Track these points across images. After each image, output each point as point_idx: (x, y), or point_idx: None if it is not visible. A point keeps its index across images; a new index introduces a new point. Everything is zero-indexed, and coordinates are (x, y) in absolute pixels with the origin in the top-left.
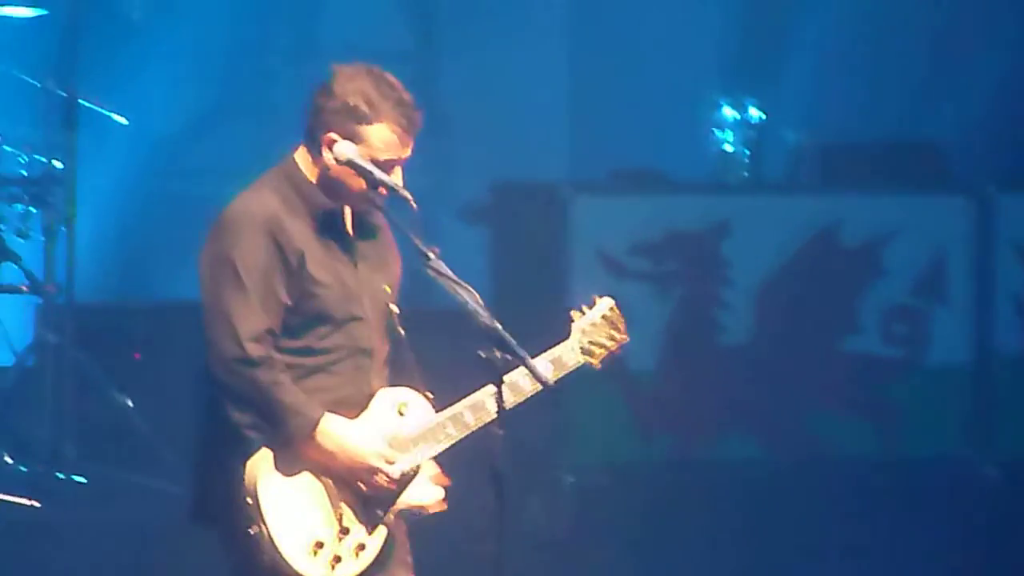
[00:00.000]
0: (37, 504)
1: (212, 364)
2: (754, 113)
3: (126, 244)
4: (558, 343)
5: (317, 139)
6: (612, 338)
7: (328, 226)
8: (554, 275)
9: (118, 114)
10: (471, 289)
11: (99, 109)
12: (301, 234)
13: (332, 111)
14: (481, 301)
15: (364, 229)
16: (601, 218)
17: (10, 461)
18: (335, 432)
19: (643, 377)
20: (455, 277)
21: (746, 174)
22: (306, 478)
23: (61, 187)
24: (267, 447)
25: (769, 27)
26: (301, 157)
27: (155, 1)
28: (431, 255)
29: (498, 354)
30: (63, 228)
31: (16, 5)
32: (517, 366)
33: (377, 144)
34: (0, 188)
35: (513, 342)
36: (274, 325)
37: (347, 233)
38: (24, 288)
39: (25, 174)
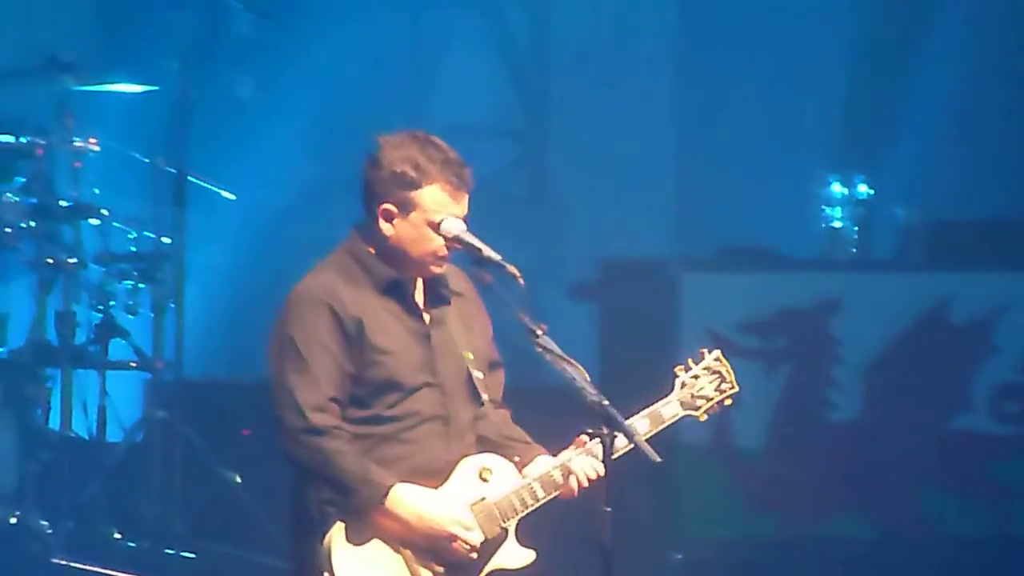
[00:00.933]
0: None
1: (282, 440)
2: (863, 190)
3: (235, 320)
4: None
5: (373, 212)
6: (719, 389)
7: (394, 295)
8: (663, 352)
9: (226, 190)
10: (579, 366)
11: (207, 185)
12: (361, 303)
13: (382, 182)
14: (588, 378)
15: (438, 296)
16: (710, 295)
17: (119, 537)
18: (408, 501)
19: (752, 454)
20: (563, 354)
21: (854, 251)
22: (381, 547)
23: (170, 263)
24: (340, 520)
25: (878, 104)
26: (362, 232)
27: (263, 78)
28: (539, 332)
29: (605, 431)
30: (172, 304)
31: (126, 82)
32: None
33: (431, 206)
34: (110, 264)
35: (621, 419)
36: (338, 395)
37: (415, 302)
38: (133, 364)
39: (134, 250)
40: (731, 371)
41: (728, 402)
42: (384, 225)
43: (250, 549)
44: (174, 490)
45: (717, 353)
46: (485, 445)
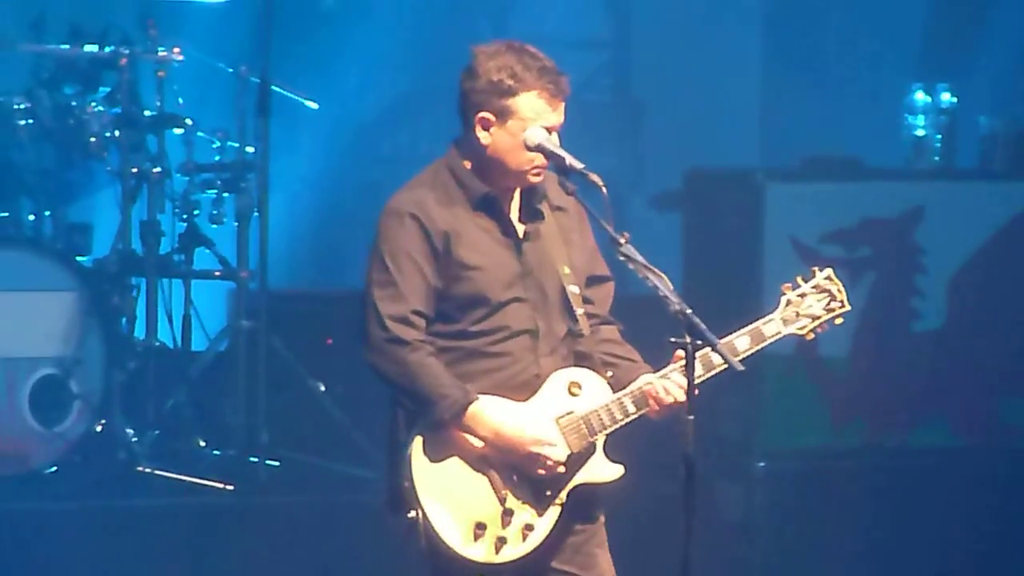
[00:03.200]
0: (230, 488)
1: (365, 352)
2: (946, 98)
3: (318, 229)
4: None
5: (470, 122)
6: (828, 308)
7: (487, 210)
8: (747, 262)
9: (310, 100)
10: (662, 275)
11: (291, 95)
12: (451, 218)
13: (478, 91)
14: (672, 287)
15: (535, 211)
16: (794, 205)
17: (203, 445)
18: (489, 416)
19: (835, 364)
20: (646, 262)
21: (937, 159)
22: (462, 460)
23: (254, 173)
24: (420, 434)
25: (962, 11)
26: (460, 146)
27: None
28: (622, 240)
29: (688, 339)
30: (256, 214)
31: None
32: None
33: (528, 114)
34: (194, 174)
35: (704, 327)
36: (424, 308)
37: (509, 217)
38: (217, 274)
39: (218, 160)
40: (843, 290)
41: (839, 321)
42: (481, 134)
43: (333, 458)
44: (258, 399)
45: (828, 271)
46: (585, 362)
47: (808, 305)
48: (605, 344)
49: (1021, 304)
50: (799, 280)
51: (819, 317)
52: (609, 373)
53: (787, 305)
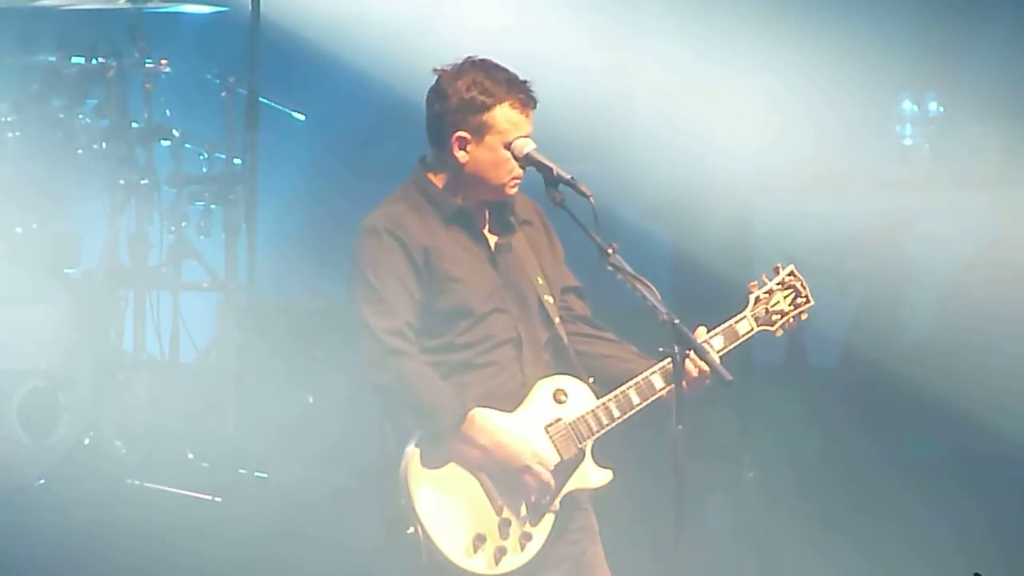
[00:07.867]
0: (218, 499)
1: (363, 369)
2: (934, 107)
3: (307, 241)
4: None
5: (444, 143)
6: (795, 304)
7: (460, 224)
8: (735, 273)
9: (298, 111)
10: (651, 285)
11: (278, 106)
12: (427, 233)
13: (452, 111)
14: (660, 297)
15: (505, 224)
16: (783, 217)
17: (192, 457)
18: (487, 426)
19: (825, 375)
20: (635, 273)
21: (926, 169)
22: (458, 472)
23: (242, 184)
24: (416, 445)
25: (951, 21)
26: (427, 166)
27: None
28: (610, 250)
29: (677, 349)
30: (244, 225)
31: (197, 3)
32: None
33: (505, 126)
34: (182, 186)
35: (692, 337)
36: (411, 319)
37: (481, 229)
38: (205, 285)
39: (206, 171)
40: (806, 285)
41: (804, 316)
42: (459, 154)
43: (323, 469)
44: (247, 410)
45: (791, 267)
46: (567, 368)
47: (776, 302)
48: (584, 340)
49: (1012, 314)
50: (764, 278)
51: (787, 313)
52: (591, 379)
53: (756, 303)
